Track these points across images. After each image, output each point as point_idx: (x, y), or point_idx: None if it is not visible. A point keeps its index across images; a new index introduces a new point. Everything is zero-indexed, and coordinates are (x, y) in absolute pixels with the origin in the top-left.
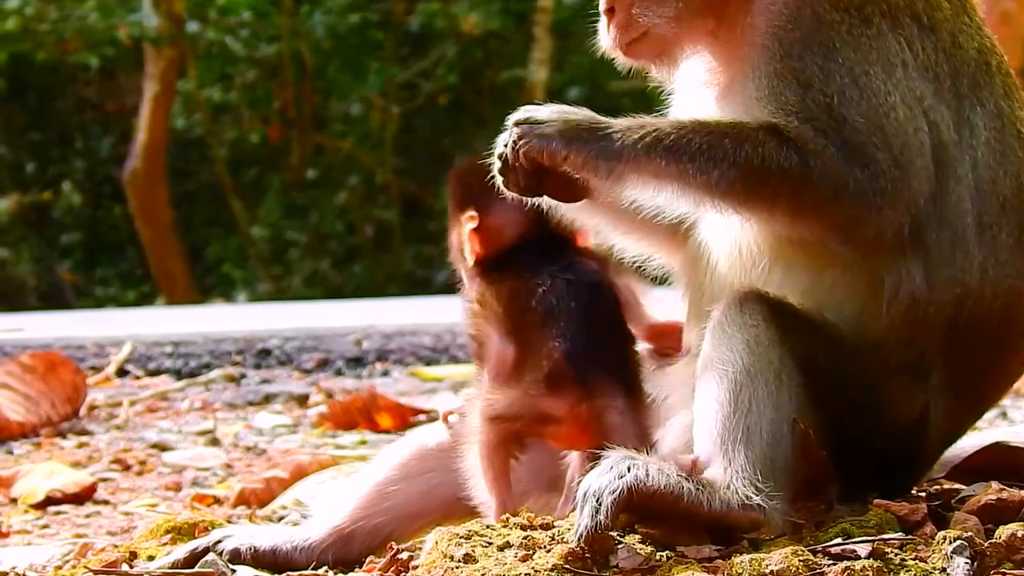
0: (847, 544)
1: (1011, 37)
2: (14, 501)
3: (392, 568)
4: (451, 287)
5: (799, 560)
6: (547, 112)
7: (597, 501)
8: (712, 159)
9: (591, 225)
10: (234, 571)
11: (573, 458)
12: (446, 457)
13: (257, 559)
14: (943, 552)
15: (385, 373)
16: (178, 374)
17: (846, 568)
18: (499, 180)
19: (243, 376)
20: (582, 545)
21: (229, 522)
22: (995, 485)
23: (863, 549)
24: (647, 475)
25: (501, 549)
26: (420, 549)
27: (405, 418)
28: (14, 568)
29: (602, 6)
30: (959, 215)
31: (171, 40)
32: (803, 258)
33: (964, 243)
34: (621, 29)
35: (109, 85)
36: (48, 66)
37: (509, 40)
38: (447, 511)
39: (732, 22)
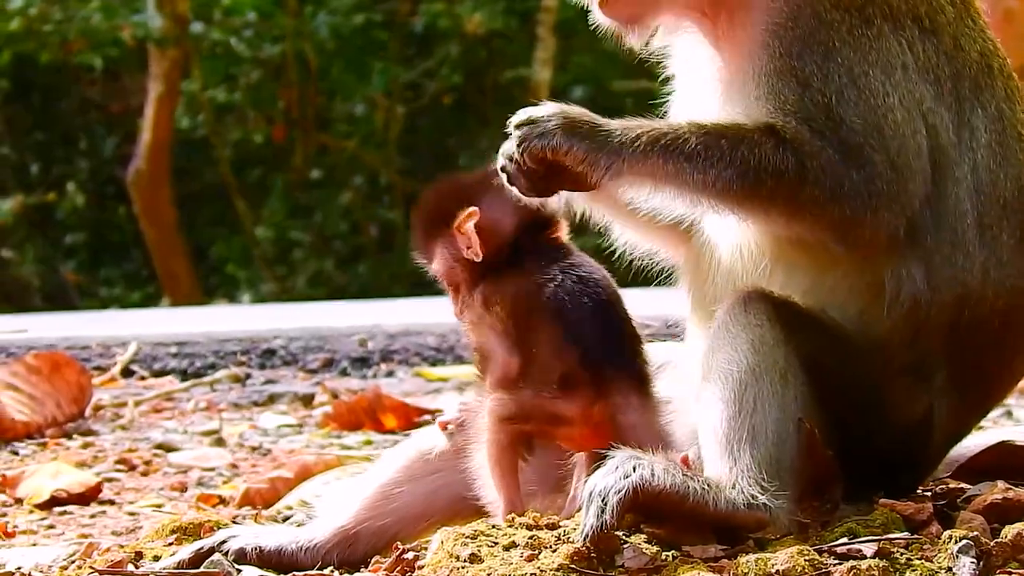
0: (853, 544)
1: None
2: (19, 501)
3: (398, 568)
4: None
5: (805, 560)
6: (546, 110)
7: (603, 501)
8: (709, 159)
9: (604, 219)
10: (239, 571)
11: (579, 458)
12: (451, 458)
13: (262, 559)
14: (949, 551)
15: (390, 373)
16: (183, 374)
17: (852, 568)
18: (508, 185)
19: (248, 376)
20: (588, 545)
21: (234, 522)
22: (1001, 484)
23: (869, 548)
24: (653, 475)
25: (507, 549)
26: (426, 549)
27: (410, 418)
28: (19, 568)
29: None
30: (959, 216)
31: (175, 41)
32: (805, 259)
33: (965, 244)
34: None
35: (113, 86)
36: (52, 67)
37: (513, 40)
38: (452, 511)
39: (730, 15)
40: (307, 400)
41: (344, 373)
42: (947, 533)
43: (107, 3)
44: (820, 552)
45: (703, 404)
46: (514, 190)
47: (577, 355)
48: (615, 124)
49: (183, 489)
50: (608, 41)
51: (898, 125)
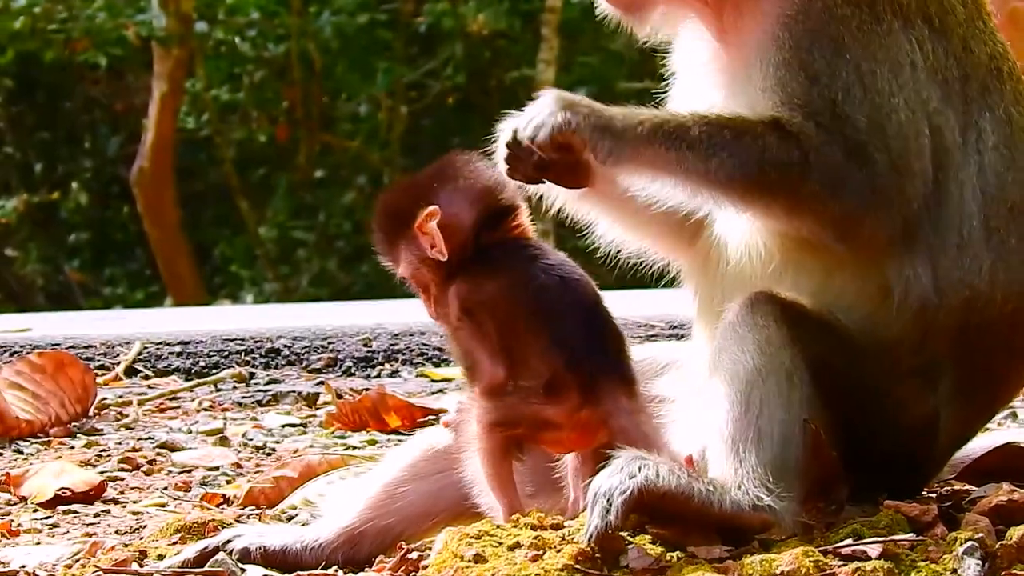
0: (858, 545)
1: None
2: (23, 500)
3: (402, 568)
4: None
5: (810, 561)
6: (548, 97)
7: (608, 501)
8: (711, 148)
9: (589, 217)
10: (244, 571)
11: (570, 459)
12: (455, 457)
13: (267, 559)
14: (954, 553)
15: (394, 373)
16: (187, 374)
17: (857, 569)
18: (503, 168)
19: (252, 376)
20: (592, 545)
21: (239, 521)
22: (1006, 486)
23: (874, 550)
24: (658, 476)
25: (511, 549)
26: (430, 549)
27: (414, 418)
28: (24, 567)
29: None
30: (965, 218)
31: (179, 40)
32: (813, 260)
33: (972, 247)
34: None
35: (117, 85)
36: (56, 65)
37: (517, 40)
38: (457, 511)
39: (737, 6)
40: (311, 400)
41: (348, 373)
42: (952, 535)
43: (111, 2)
44: (825, 553)
45: (709, 404)
46: (505, 171)
47: (563, 359)
48: (616, 110)
49: (187, 488)
50: (613, 40)
51: (902, 126)
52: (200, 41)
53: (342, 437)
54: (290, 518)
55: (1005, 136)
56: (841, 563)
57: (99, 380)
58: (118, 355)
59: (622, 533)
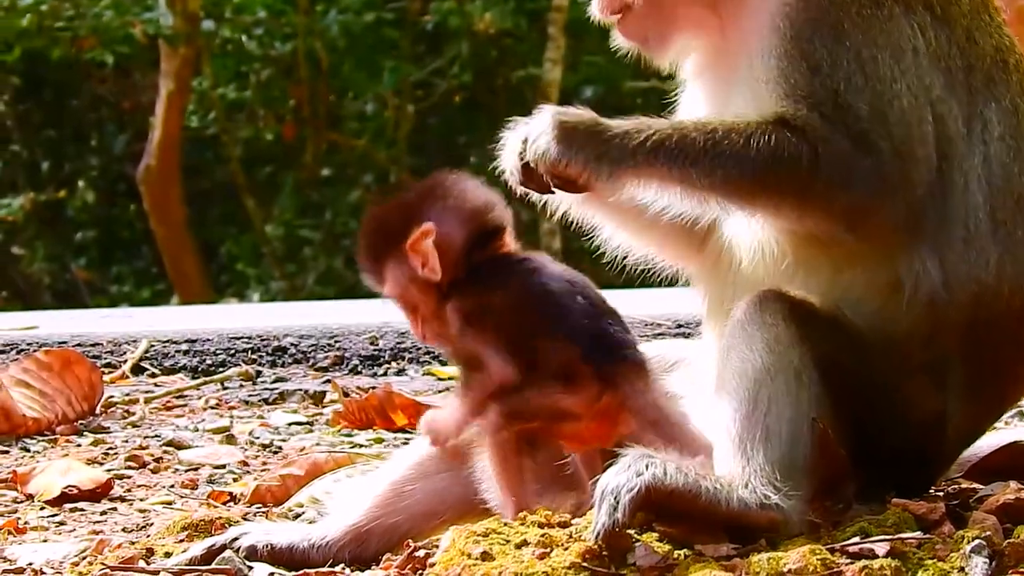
0: (865, 543)
1: None
2: (30, 498)
3: (409, 566)
4: None
5: (817, 559)
6: (541, 123)
7: (615, 499)
8: (717, 159)
9: (594, 221)
10: (251, 568)
11: (579, 458)
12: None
13: (274, 556)
14: (962, 551)
15: (401, 371)
16: (194, 372)
17: (864, 567)
18: (513, 180)
19: (258, 374)
20: (600, 543)
21: (245, 519)
22: (1013, 485)
23: (881, 548)
24: (665, 473)
25: (519, 547)
26: (437, 547)
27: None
28: (31, 564)
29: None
30: (971, 210)
31: (186, 38)
32: (824, 257)
33: (978, 239)
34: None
35: (124, 83)
36: (63, 63)
37: (524, 39)
38: (464, 509)
39: (739, 3)
40: (318, 398)
41: (355, 371)
42: (960, 533)
43: (118, 0)
44: (832, 551)
45: (717, 402)
46: (515, 182)
47: (578, 351)
48: (616, 127)
49: (194, 486)
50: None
51: (904, 112)
52: (207, 39)
53: (349, 435)
54: (297, 516)
55: (1011, 127)
56: (848, 561)
57: (106, 378)
58: (125, 353)
59: (629, 531)
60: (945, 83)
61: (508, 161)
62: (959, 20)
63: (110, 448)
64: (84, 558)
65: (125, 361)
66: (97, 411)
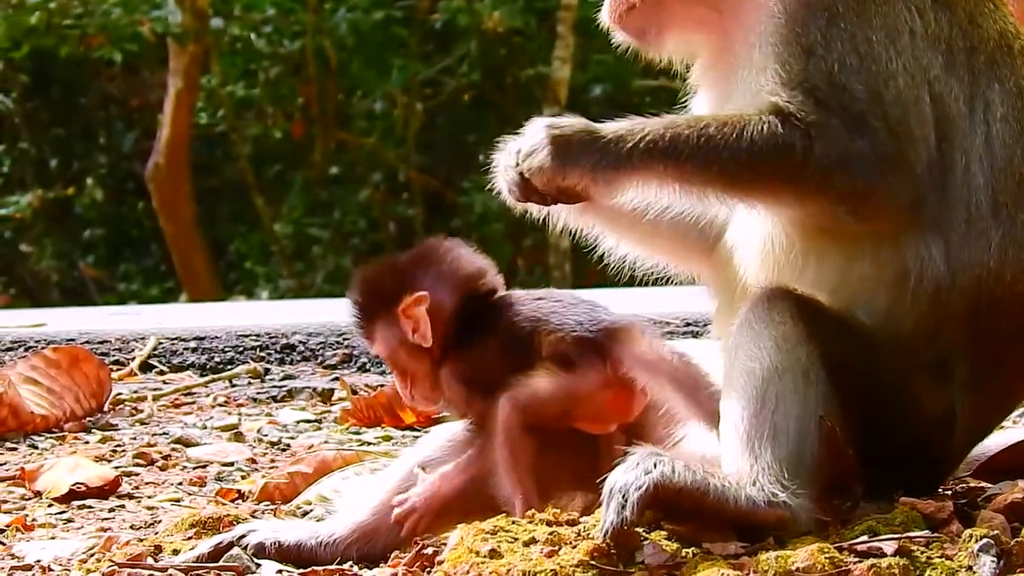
0: (873, 542)
1: None
2: (38, 495)
3: (417, 563)
4: None
5: (825, 557)
6: (534, 136)
7: (623, 497)
8: (712, 149)
9: (594, 231)
10: (259, 565)
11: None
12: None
13: (282, 554)
14: (969, 550)
15: None
16: (202, 369)
17: (872, 566)
18: (508, 196)
19: (267, 372)
20: (608, 541)
21: (253, 517)
22: (1021, 483)
23: (889, 547)
24: (673, 471)
25: (527, 545)
26: (445, 544)
27: (429, 414)
28: (39, 561)
29: None
30: (972, 191)
31: (195, 36)
32: (833, 249)
33: (980, 221)
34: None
35: (133, 81)
36: (71, 61)
37: (532, 37)
38: (472, 507)
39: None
40: (326, 395)
41: (363, 369)
42: (968, 532)
43: None
44: (840, 550)
45: (724, 400)
46: (512, 198)
47: (576, 333)
48: (609, 131)
49: (202, 484)
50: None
51: (900, 92)
52: (216, 37)
53: (357, 433)
54: (305, 514)
55: (1015, 108)
56: (856, 560)
57: (114, 375)
58: (133, 351)
59: (637, 529)
60: (945, 64)
61: (506, 177)
62: (960, 3)
63: (118, 445)
64: (92, 555)
65: (133, 358)
66: (105, 408)
